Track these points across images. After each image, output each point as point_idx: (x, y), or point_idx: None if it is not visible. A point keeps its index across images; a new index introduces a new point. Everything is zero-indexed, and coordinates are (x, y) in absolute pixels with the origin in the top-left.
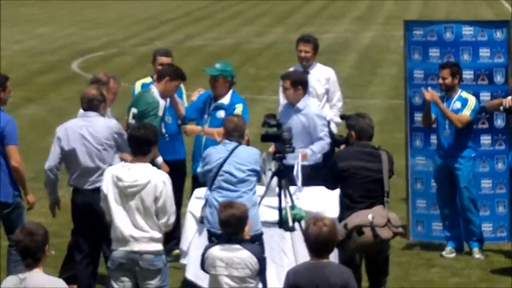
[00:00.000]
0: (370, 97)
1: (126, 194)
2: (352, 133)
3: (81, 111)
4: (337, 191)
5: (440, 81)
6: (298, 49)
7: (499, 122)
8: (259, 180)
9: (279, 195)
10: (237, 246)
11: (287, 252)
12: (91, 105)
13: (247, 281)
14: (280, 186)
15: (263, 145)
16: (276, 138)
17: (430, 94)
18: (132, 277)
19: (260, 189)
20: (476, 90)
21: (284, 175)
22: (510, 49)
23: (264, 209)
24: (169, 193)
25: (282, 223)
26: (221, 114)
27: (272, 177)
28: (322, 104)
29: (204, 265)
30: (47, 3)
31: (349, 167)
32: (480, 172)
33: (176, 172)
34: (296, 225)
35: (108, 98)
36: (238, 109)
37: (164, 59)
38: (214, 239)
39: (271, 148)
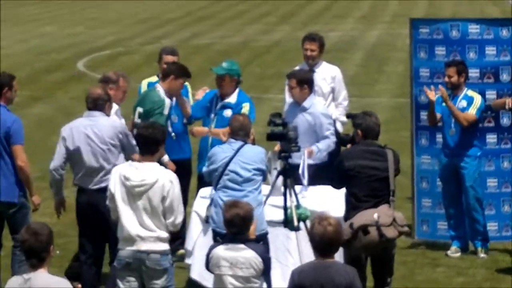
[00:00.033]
0: (376, 96)
1: (133, 194)
2: (358, 132)
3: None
4: (343, 190)
5: (446, 79)
6: (304, 47)
7: (505, 121)
8: (264, 179)
9: (285, 195)
10: (242, 245)
11: (292, 251)
12: (96, 104)
13: (252, 281)
14: (285, 185)
15: (269, 144)
16: (282, 137)
17: (441, 91)
18: (138, 276)
19: (265, 188)
20: (482, 88)
21: (290, 174)
22: None
23: (269, 208)
24: (177, 193)
25: (287, 223)
26: (228, 113)
27: (277, 176)
28: (327, 102)
29: (208, 265)
30: (47, 3)
31: (355, 166)
32: (486, 171)
33: (182, 171)
34: (301, 224)
35: (117, 96)
36: (245, 108)
37: (170, 58)
38: (219, 238)
39: (277, 147)
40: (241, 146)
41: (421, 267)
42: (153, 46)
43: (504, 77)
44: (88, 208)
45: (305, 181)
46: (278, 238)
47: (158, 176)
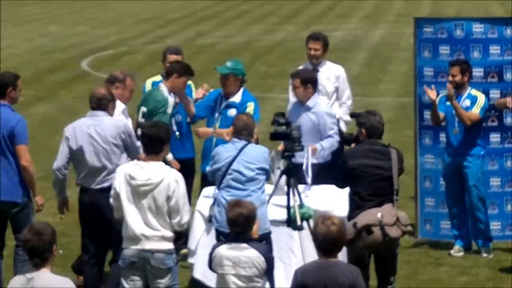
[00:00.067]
0: (380, 95)
1: (138, 193)
2: (362, 131)
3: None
4: (346, 189)
5: (450, 78)
6: (308, 47)
7: (509, 120)
8: (268, 179)
9: (288, 194)
10: (245, 245)
11: (295, 251)
12: (100, 104)
13: (254, 280)
14: (288, 184)
15: (272, 143)
16: (285, 137)
17: (448, 89)
18: (143, 276)
19: (268, 188)
20: (486, 87)
21: (293, 174)
22: None
23: (272, 207)
24: (182, 192)
25: (290, 222)
26: (232, 112)
27: (280, 176)
28: (331, 102)
29: (211, 264)
30: (46, 3)
31: (359, 165)
32: (489, 170)
33: (185, 170)
34: (304, 224)
35: (124, 95)
36: (250, 107)
37: (174, 57)
38: (222, 238)
39: (280, 146)
40: (245, 146)
41: (424, 267)
42: (156, 45)
43: (508, 76)
44: (91, 208)
45: (309, 179)
46: (281, 237)
47: (164, 176)
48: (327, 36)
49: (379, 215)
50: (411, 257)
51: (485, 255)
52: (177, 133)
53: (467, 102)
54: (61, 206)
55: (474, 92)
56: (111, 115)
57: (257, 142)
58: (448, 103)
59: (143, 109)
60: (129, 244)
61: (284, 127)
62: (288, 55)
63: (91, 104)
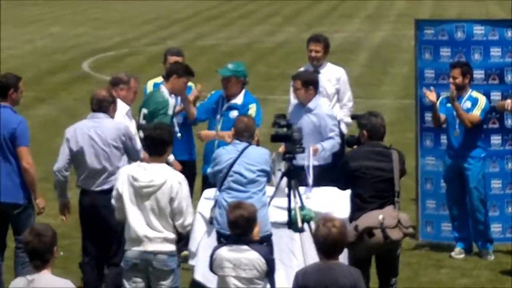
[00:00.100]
0: (381, 97)
1: (141, 194)
2: (363, 132)
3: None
4: (348, 191)
5: (451, 80)
6: (309, 48)
7: (510, 122)
8: (269, 181)
9: (289, 196)
10: (245, 247)
11: (296, 253)
12: (101, 106)
13: (255, 282)
14: (289, 186)
15: (273, 145)
16: (286, 139)
17: (452, 90)
18: (145, 277)
19: (269, 190)
20: (487, 89)
21: (294, 176)
22: None
23: (273, 209)
24: (185, 194)
25: (291, 224)
26: (234, 114)
27: (281, 178)
28: (332, 104)
29: (212, 266)
30: (49, 3)
31: (360, 167)
32: (490, 172)
33: (186, 172)
34: (305, 226)
35: (128, 97)
36: (252, 109)
37: (175, 59)
38: (223, 240)
39: (281, 148)
40: (246, 147)
41: (425, 269)
42: (158, 47)
43: (509, 78)
44: (91, 210)
45: (310, 179)
46: (282, 239)
47: (167, 177)
48: (328, 38)
49: (380, 217)
50: (412, 259)
51: (486, 257)
52: (179, 134)
53: (468, 104)
54: (62, 208)
55: (475, 94)
56: (112, 117)
57: (258, 144)
58: (449, 104)
59: (144, 110)
60: (131, 246)
61: (285, 129)
62: (289, 56)
63: (92, 106)
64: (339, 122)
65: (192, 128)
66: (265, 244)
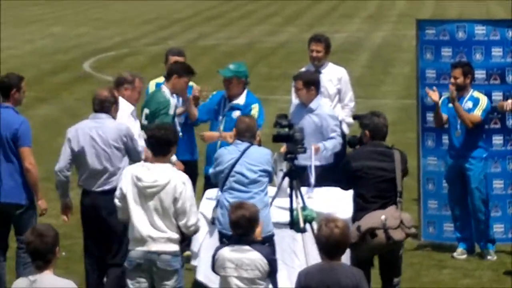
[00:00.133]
0: (382, 97)
1: (145, 194)
2: (366, 132)
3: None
4: (350, 191)
5: (452, 80)
6: (310, 48)
7: (511, 122)
8: (270, 181)
9: (291, 196)
10: (247, 247)
11: (298, 253)
12: (103, 106)
13: (257, 283)
14: (291, 186)
15: (275, 145)
16: (288, 139)
17: (451, 90)
18: (149, 277)
19: (271, 190)
20: (488, 89)
21: (296, 176)
22: None
23: (275, 210)
24: (189, 194)
25: (293, 224)
26: (236, 114)
27: (283, 178)
28: (333, 104)
29: (214, 266)
30: (50, 3)
31: (362, 167)
32: (492, 173)
33: (188, 172)
34: (307, 226)
35: (133, 97)
36: (254, 109)
37: (177, 59)
38: (225, 240)
39: (283, 148)
40: (247, 148)
41: (427, 269)
42: (158, 47)
43: (511, 78)
44: (92, 210)
45: (312, 179)
46: (284, 240)
47: (171, 177)
48: (329, 38)
49: (382, 217)
50: (414, 259)
51: (488, 257)
52: (180, 133)
53: (469, 104)
54: (64, 209)
55: (476, 94)
56: (114, 117)
57: (259, 144)
58: (450, 105)
59: (146, 111)
60: (135, 246)
61: (286, 129)
62: (290, 57)
63: (94, 106)
64: (340, 122)
65: (193, 128)
66: (267, 245)
